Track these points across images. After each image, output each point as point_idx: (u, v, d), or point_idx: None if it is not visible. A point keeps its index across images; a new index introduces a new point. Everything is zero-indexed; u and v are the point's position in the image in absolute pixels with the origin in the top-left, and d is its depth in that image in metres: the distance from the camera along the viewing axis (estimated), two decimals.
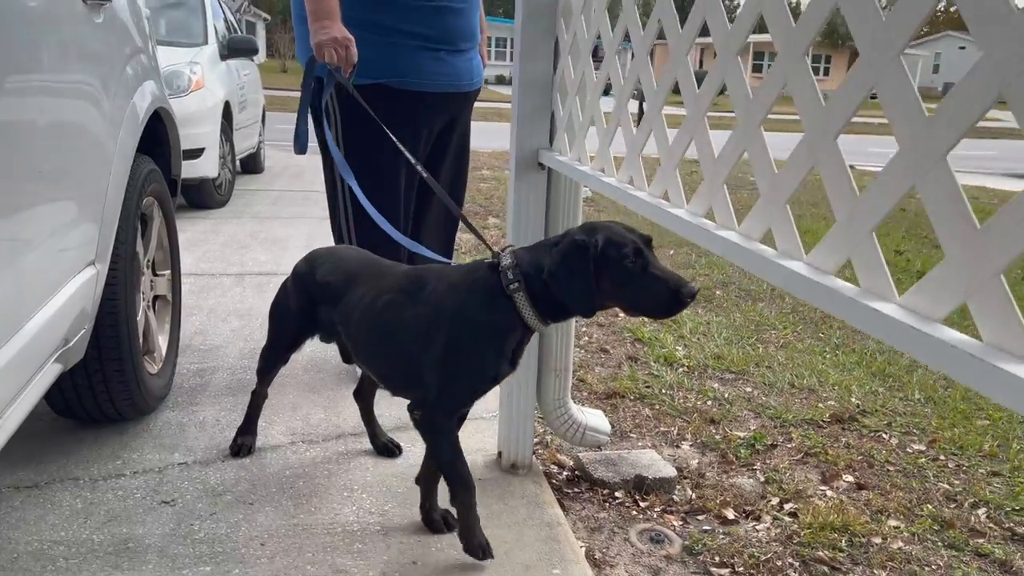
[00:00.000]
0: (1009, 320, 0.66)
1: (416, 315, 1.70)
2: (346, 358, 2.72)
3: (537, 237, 2.07)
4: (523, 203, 2.06)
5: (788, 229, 0.97)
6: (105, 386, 2.15)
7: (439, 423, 1.72)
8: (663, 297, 1.49)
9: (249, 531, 1.86)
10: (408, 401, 1.78)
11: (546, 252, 1.62)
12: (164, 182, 2.52)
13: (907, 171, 0.75)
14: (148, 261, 2.45)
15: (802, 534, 2.07)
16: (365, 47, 2.39)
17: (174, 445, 2.25)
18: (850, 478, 2.43)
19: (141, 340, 2.30)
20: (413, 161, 2.07)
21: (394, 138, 2.12)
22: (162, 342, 2.57)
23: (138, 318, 2.27)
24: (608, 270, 1.52)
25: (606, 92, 1.68)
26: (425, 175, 2.03)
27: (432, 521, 1.91)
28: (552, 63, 1.95)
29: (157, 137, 2.54)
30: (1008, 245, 0.65)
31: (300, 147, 2.39)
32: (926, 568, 1.99)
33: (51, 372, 1.75)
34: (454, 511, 1.80)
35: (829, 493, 2.32)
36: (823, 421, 2.83)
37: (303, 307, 2.03)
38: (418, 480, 1.93)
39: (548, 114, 2.01)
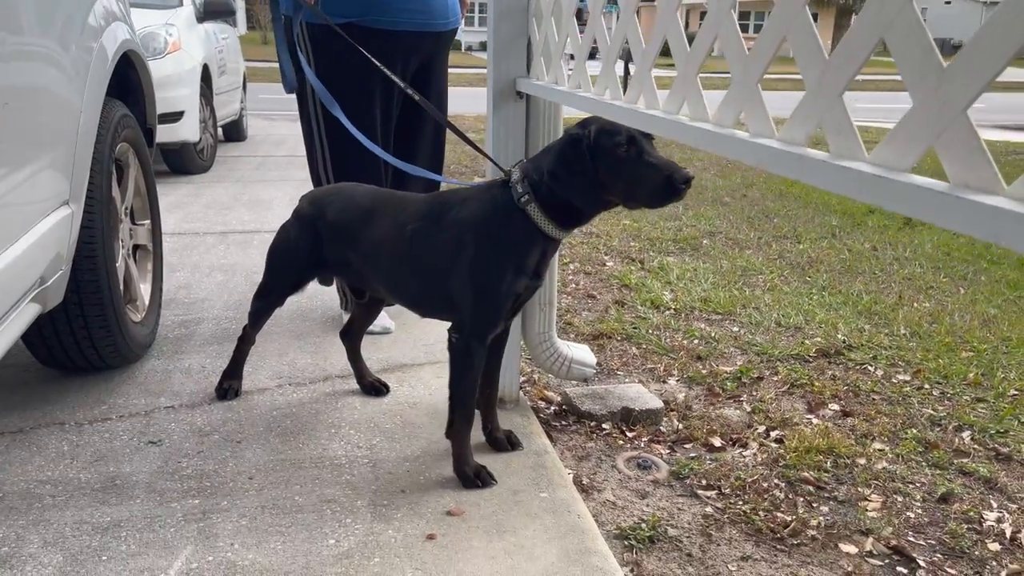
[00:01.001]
0: (975, 156, 0.65)
1: (443, 239, 1.73)
2: (345, 303, 2.72)
3: None
4: (502, 136, 2.04)
5: (760, 111, 0.96)
6: (87, 332, 2.13)
7: (472, 348, 1.75)
8: (658, 184, 1.51)
9: (237, 466, 1.86)
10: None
11: (546, 155, 1.66)
12: (139, 129, 2.48)
13: (875, 21, 0.74)
14: (126, 209, 2.42)
15: (788, 457, 2.09)
16: None
17: (160, 390, 2.25)
18: (835, 407, 2.44)
19: (122, 288, 2.28)
20: (401, 84, 2.04)
21: (380, 65, 2.09)
22: (144, 292, 2.55)
23: (118, 265, 2.25)
24: (602, 159, 1.55)
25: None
26: (416, 96, 2.01)
27: (496, 440, 1.98)
28: None
29: (129, 84, 2.50)
30: (973, 78, 0.64)
31: (288, 85, 2.36)
32: (910, 485, 2.01)
33: (29, 311, 1.73)
34: (452, 443, 1.84)
35: (815, 421, 2.34)
36: (809, 356, 2.84)
37: (310, 249, 2.00)
38: (477, 405, 1.93)
39: (524, 43, 1.98)
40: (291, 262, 2.07)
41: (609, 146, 1.52)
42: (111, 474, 1.81)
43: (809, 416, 2.38)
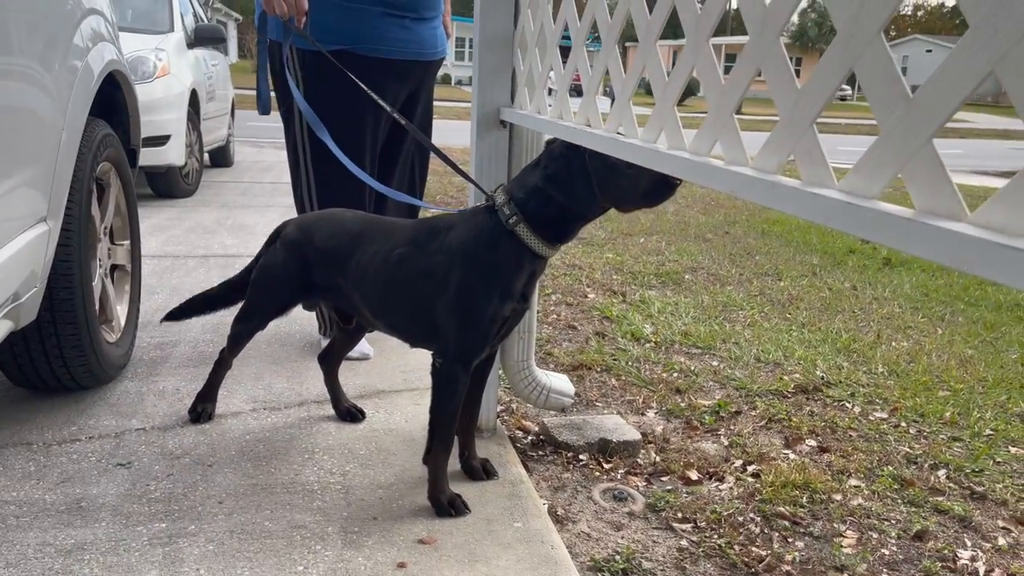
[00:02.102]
0: (940, 184, 0.66)
1: (430, 264, 1.74)
2: (324, 329, 2.71)
3: None
4: (485, 163, 2.05)
5: (735, 139, 0.97)
6: (60, 351, 2.11)
7: (456, 373, 1.74)
8: (654, 182, 1.56)
9: (207, 490, 1.83)
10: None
11: (532, 171, 1.69)
12: (122, 148, 2.48)
13: (844, 53, 0.75)
14: (105, 228, 2.41)
15: (764, 492, 2.08)
16: (330, 13, 2.38)
17: (132, 412, 2.21)
18: (812, 442, 2.44)
19: (98, 307, 2.26)
20: (392, 112, 2.05)
21: (372, 93, 2.10)
22: (121, 312, 2.53)
23: (94, 284, 2.22)
24: (596, 164, 1.58)
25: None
26: (403, 122, 2.03)
27: (472, 469, 1.96)
28: (512, 20, 1.95)
29: (115, 104, 2.50)
30: (939, 107, 0.65)
31: (262, 107, 2.38)
32: (885, 522, 2.01)
33: (1, 328, 1.71)
34: (429, 468, 1.83)
35: (792, 456, 2.34)
36: (788, 391, 2.85)
37: (297, 274, 1.99)
38: (456, 432, 1.91)
39: (509, 73, 2.01)
40: (278, 287, 2.05)
41: (601, 154, 1.55)
42: (77, 496, 1.78)
43: (786, 451, 2.37)
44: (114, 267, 2.56)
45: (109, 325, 2.42)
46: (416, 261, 1.76)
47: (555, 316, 3.58)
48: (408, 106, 2.65)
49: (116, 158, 2.42)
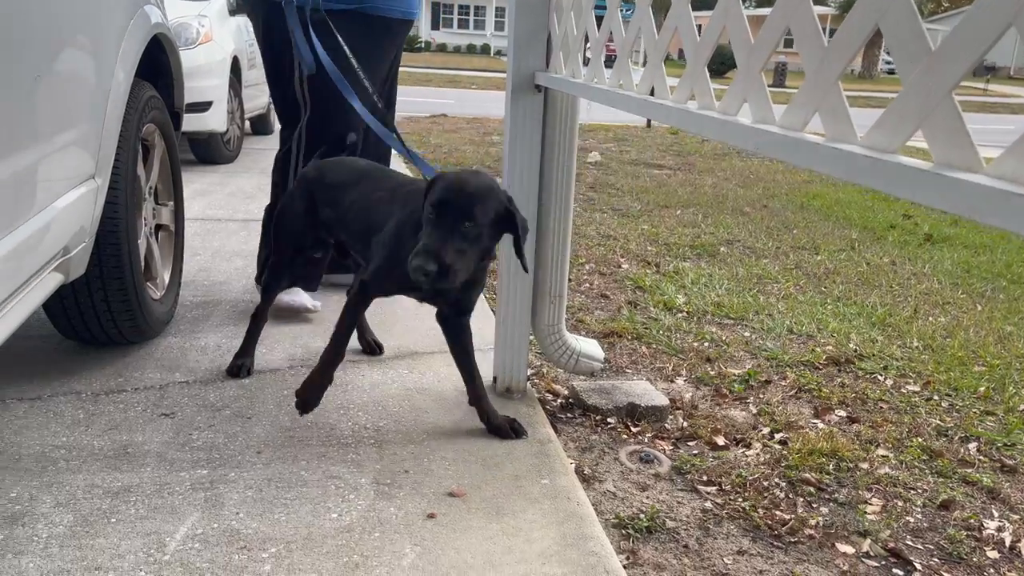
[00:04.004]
0: (958, 137, 0.67)
1: (388, 209, 1.91)
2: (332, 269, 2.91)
3: (533, 162, 2.09)
4: (519, 127, 2.07)
5: (762, 98, 0.98)
6: (107, 306, 2.19)
7: (355, 297, 1.92)
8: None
9: (246, 441, 1.90)
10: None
11: None
12: (166, 111, 2.54)
13: (871, 8, 0.76)
14: (150, 188, 2.48)
15: (790, 459, 2.10)
16: None
17: (175, 366, 2.29)
18: (842, 413, 2.45)
19: (143, 265, 2.33)
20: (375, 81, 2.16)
21: (364, 55, 2.22)
22: (165, 271, 2.61)
23: (140, 242, 2.30)
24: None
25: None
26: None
27: (497, 428, 2.01)
28: None
29: (160, 67, 2.56)
30: (959, 60, 0.66)
31: (308, 65, 2.44)
32: (912, 491, 2.01)
33: (52, 280, 1.78)
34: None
35: (820, 425, 2.35)
36: (819, 363, 2.84)
37: (307, 211, 2.12)
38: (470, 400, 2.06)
39: (544, 37, 2.01)
40: (292, 224, 2.17)
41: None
42: (123, 442, 1.86)
43: (815, 421, 2.38)
44: (158, 227, 2.64)
45: (154, 283, 2.50)
46: (381, 203, 1.93)
47: (588, 285, 3.61)
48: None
49: (161, 120, 2.48)
